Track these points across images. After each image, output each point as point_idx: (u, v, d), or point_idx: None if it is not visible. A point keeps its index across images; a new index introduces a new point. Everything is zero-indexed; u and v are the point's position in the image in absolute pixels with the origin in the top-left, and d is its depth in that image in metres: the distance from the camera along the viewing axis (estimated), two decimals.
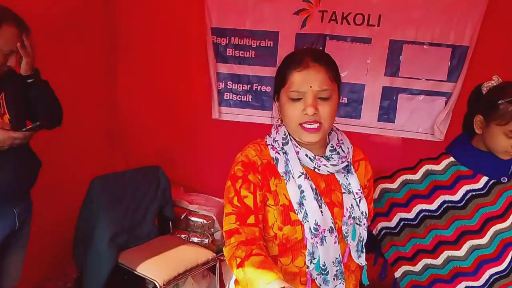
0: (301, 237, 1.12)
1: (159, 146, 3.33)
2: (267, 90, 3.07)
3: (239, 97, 3.14)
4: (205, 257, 2.52)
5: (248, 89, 3.11)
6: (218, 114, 3.17)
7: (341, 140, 1.24)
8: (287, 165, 1.16)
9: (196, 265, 2.45)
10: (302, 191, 1.13)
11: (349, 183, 1.20)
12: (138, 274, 2.32)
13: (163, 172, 2.79)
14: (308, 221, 1.11)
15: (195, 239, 2.83)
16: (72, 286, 2.76)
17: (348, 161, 1.20)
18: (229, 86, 3.13)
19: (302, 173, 1.15)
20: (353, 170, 1.23)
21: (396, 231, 1.57)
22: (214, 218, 2.93)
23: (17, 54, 1.75)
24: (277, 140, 1.20)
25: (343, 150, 1.21)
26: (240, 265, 1.02)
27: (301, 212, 1.11)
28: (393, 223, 1.58)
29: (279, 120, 1.22)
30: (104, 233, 2.37)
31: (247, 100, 3.13)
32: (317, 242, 1.10)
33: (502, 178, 1.42)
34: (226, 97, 3.16)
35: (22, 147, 1.79)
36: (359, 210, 1.18)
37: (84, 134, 2.96)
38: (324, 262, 1.12)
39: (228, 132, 3.14)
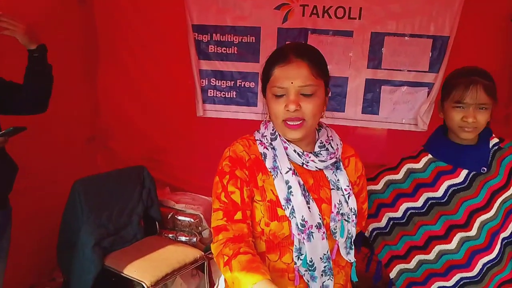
0: (288, 233, 1.11)
1: (143, 146, 3.29)
2: (251, 86, 3.05)
3: (223, 94, 3.11)
4: (193, 256, 2.50)
5: (232, 85, 3.09)
6: (203, 112, 3.14)
7: (331, 136, 1.24)
8: (275, 160, 1.15)
9: (184, 265, 2.43)
10: (289, 187, 1.12)
11: (338, 180, 1.20)
12: (125, 276, 2.29)
13: (148, 172, 2.76)
14: (295, 217, 1.10)
15: (183, 238, 2.81)
16: None
17: (336, 158, 1.19)
18: (213, 83, 3.11)
19: (290, 169, 1.14)
20: (342, 167, 1.22)
21: (387, 230, 1.58)
22: (202, 216, 2.91)
23: None
24: (265, 136, 1.19)
25: (332, 147, 1.21)
26: (227, 263, 1.02)
27: (288, 208, 1.11)
28: (382, 223, 1.58)
29: (268, 116, 1.21)
30: (89, 237, 2.33)
31: (231, 96, 3.11)
32: (304, 238, 1.10)
33: (481, 169, 1.44)
34: (210, 94, 3.13)
35: None
36: (348, 206, 1.18)
37: (66, 137, 2.90)
38: (311, 258, 1.12)
39: (213, 129, 3.12)
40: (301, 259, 1.12)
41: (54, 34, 2.75)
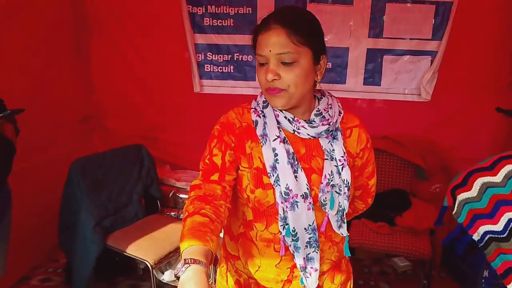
0: (273, 202, 1.10)
1: (140, 124, 3.23)
2: (249, 60, 2.97)
3: (220, 69, 3.03)
4: None
5: (229, 59, 3.01)
6: (200, 88, 3.07)
7: (330, 104, 1.18)
8: (264, 128, 1.13)
9: None
10: (276, 155, 1.10)
11: (333, 150, 1.15)
12: (128, 255, 2.27)
13: (146, 151, 2.71)
14: (279, 185, 1.08)
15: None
16: (62, 272, 2.72)
17: (330, 124, 1.14)
18: (209, 57, 3.02)
19: (278, 137, 1.11)
20: (339, 136, 1.17)
21: (505, 235, 1.35)
22: None
23: None
24: (259, 103, 1.17)
25: (329, 114, 1.16)
26: (184, 220, 1.00)
27: (273, 176, 1.09)
28: (499, 226, 1.36)
29: None
30: (89, 218, 2.31)
31: (229, 71, 3.03)
32: (287, 207, 1.08)
33: None
34: (207, 69, 3.05)
35: None
36: (340, 178, 1.14)
37: (60, 117, 2.84)
38: (294, 228, 1.10)
39: (211, 105, 3.05)
40: (285, 229, 1.10)
41: (44, 10, 2.65)
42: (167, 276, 2.57)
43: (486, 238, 1.39)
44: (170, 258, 2.38)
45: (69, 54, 2.99)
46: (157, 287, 2.46)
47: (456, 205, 1.55)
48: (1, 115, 1.66)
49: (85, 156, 2.44)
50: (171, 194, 2.89)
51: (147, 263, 2.21)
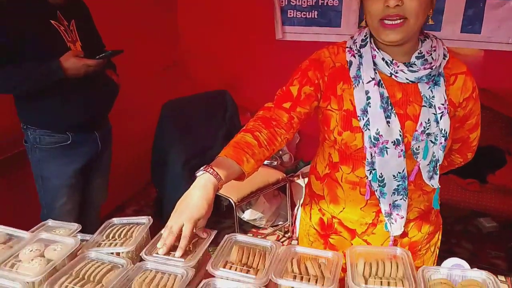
0: (360, 146, 1.07)
1: (223, 72, 3.30)
2: (335, 4, 2.85)
3: (304, 14, 2.95)
4: (275, 177, 2.57)
5: (313, 4, 2.90)
6: (282, 35, 3.03)
7: (434, 47, 1.09)
8: (359, 69, 1.08)
9: (267, 184, 2.52)
10: (368, 98, 1.05)
11: (433, 96, 1.07)
12: None
13: (230, 97, 2.79)
14: (369, 129, 1.05)
15: (264, 162, 2.87)
16: (153, 205, 2.98)
17: (432, 68, 1.06)
18: (293, 2, 2.94)
19: (373, 79, 1.06)
20: (441, 82, 1.09)
21: None
22: None
23: None
24: (356, 42, 1.11)
25: (432, 58, 1.07)
26: (239, 131, 1.05)
27: (363, 119, 1.05)
28: None
29: (364, 22, 1.11)
30: (179, 156, 2.48)
31: (313, 17, 2.94)
32: (375, 152, 1.05)
33: None
34: (290, 15, 2.98)
35: (99, 74, 1.84)
36: (437, 126, 1.07)
37: (149, 64, 2.99)
38: (381, 174, 1.07)
39: (292, 53, 3.00)
40: (372, 174, 1.08)
41: None
42: (247, 215, 2.71)
43: None
44: (251, 198, 2.50)
45: (157, 3, 3.09)
46: (238, 224, 2.62)
47: None
48: (103, 54, 1.78)
49: (174, 98, 2.58)
50: None
51: (231, 200, 2.35)
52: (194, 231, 0.95)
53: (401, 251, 0.92)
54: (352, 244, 1.19)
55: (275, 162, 2.92)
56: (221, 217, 2.84)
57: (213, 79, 3.28)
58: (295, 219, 2.70)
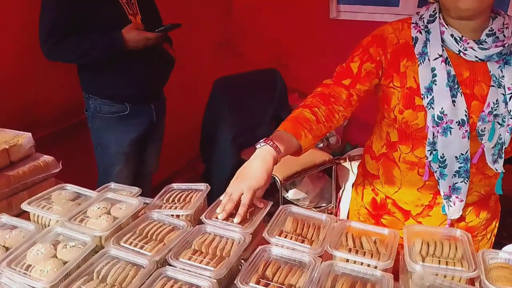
0: (422, 125, 1.05)
1: (273, 51, 3.29)
2: None
3: None
4: (322, 158, 2.56)
5: None
6: (336, 13, 2.96)
7: (507, 24, 1.03)
8: (425, 46, 1.04)
9: (313, 165, 2.51)
10: (434, 75, 1.02)
11: (503, 76, 1.02)
12: None
13: (280, 76, 2.79)
14: (433, 108, 1.02)
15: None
16: (200, 180, 3.06)
17: (504, 46, 1.00)
18: None
19: (440, 56, 1.02)
20: None
21: None
22: None
23: None
24: (423, 18, 1.07)
25: (504, 36, 1.02)
26: (298, 107, 1.07)
27: (427, 97, 1.02)
28: None
29: None
30: (228, 132, 2.53)
31: None
32: (438, 131, 1.02)
33: None
34: None
35: (156, 47, 1.90)
36: (506, 108, 1.02)
37: (203, 41, 3.03)
38: (443, 154, 1.04)
39: (346, 33, 2.93)
40: (433, 154, 1.05)
41: None
42: (290, 194, 2.73)
43: None
44: (296, 178, 2.52)
45: None
46: (282, 203, 2.64)
47: None
48: (162, 28, 1.84)
49: (225, 76, 2.61)
50: None
51: (276, 178, 2.38)
52: (256, 202, 0.99)
53: (461, 233, 0.90)
54: (405, 225, 1.16)
55: (321, 144, 2.89)
56: (265, 195, 2.86)
57: (264, 58, 3.27)
58: (339, 202, 2.69)
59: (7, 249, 0.90)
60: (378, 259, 0.82)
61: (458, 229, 0.94)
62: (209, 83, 2.64)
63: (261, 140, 0.99)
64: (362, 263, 0.83)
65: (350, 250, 0.85)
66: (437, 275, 0.79)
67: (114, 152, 1.96)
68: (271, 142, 0.98)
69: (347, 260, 0.84)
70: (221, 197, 0.98)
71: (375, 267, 0.82)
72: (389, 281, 0.78)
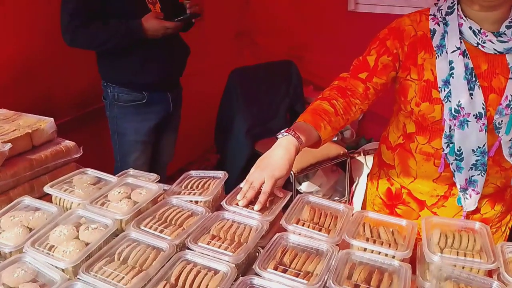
0: (439, 118, 1.05)
1: (289, 43, 3.27)
2: None
3: None
4: (336, 152, 2.55)
5: None
6: (354, 6, 2.92)
7: None
8: (443, 38, 1.04)
9: (327, 158, 2.51)
10: (451, 68, 1.01)
11: None
12: None
13: (296, 68, 2.78)
14: (450, 101, 1.02)
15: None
16: (214, 170, 3.08)
17: None
18: None
19: (458, 48, 1.01)
20: None
21: None
22: None
23: None
24: (441, 9, 1.06)
25: None
26: (315, 99, 1.07)
27: (444, 90, 1.02)
28: None
29: None
30: (242, 124, 2.53)
31: None
32: (455, 124, 1.02)
33: None
34: None
35: (173, 37, 1.91)
36: None
37: (218, 32, 3.03)
38: (459, 148, 1.04)
39: (364, 26, 2.89)
40: (449, 147, 1.05)
41: None
42: (304, 187, 2.73)
43: None
44: (309, 170, 2.52)
45: None
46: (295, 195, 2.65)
47: None
48: (181, 17, 1.85)
49: (241, 67, 2.61)
50: None
51: None
52: (276, 191, 1.00)
53: (480, 225, 0.90)
54: (420, 215, 1.18)
55: (336, 137, 2.88)
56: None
57: (280, 49, 3.26)
58: (353, 195, 2.69)
59: (30, 230, 0.93)
60: (396, 249, 0.83)
61: (477, 221, 0.94)
62: (225, 74, 2.65)
63: (283, 130, 1.00)
64: (379, 253, 0.83)
65: (367, 240, 0.85)
66: (455, 266, 0.79)
67: (131, 140, 1.98)
68: (293, 132, 0.98)
69: (365, 250, 0.84)
70: (241, 185, 0.99)
71: (393, 257, 0.82)
72: (407, 271, 0.78)
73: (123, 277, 0.77)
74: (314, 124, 1.00)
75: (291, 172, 2.32)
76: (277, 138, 1.00)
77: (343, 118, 1.05)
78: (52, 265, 0.82)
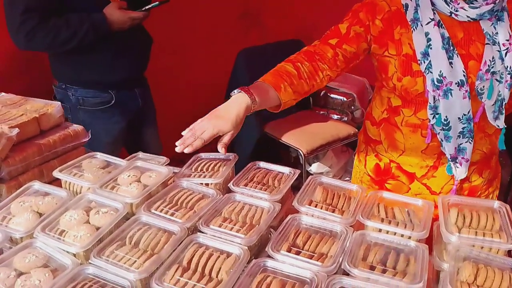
0: (422, 90, 1.05)
1: (295, 23, 3.20)
2: None
3: None
4: (346, 132, 2.52)
5: None
6: None
7: None
8: (416, 11, 1.03)
9: (337, 139, 2.48)
10: (428, 39, 1.01)
11: (496, 33, 1.02)
12: (283, 143, 2.44)
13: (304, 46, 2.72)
14: (431, 72, 1.01)
15: (335, 116, 2.82)
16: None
17: (495, 3, 0.99)
18: None
19: (432, 20, 1.01)
20: (505, 17, 1.02)
21: None
22: (355, 96, 2.84)
23: None
24: None
25: None
26: (281, 62, 1.07)
27: (424, 62, 1.02)
28: None
29: None
30: None
31: None
32: (439, 95, 1.02)
33: None
34: None
35: (137, 27, 1.73)
36: (502, 64, 1.01)
37: (221, 13, 2.97)
38: (446, 117, 1.04)
39: None
40: (436, 118, 1.05)
41: None
42: (314, 168, 2.71)
43: None
44: (319, 151, 2.49)
45: None
46: (305, 176, 2.64)
47: None
48: (148, 6, 1.67)
49: (249, 47, 2.57)
50: (322, 93, 2.92)
51: (300, 151, 2.36)
52: (220, 146, 0.98)
53: (499, 204, 0.87)
54: (410, 188, 1.18)
55: (346, 118, 2.85)
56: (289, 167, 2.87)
57: (285, 29, 3.19)
58: None
59: (40, 215, 0.92)
60: (412, 230, 0.81)
61: (495, 200, 0.92)
62: (231, 56, 2.60)
63: (238, 88, 0.97)
64: (395, 234, 0.81)
65: (382, 221, 0.84)
66: (473, 246, 0.77)
67: (104, 142, 1.77)
68: (248, 90, 0.96)
69: (380, 231, 0.83)
70: (183, 132, 0.96)
71: (409, 238, 0.80)
72: (424, 252, 0.76)
73: (135, 261, 0.77)
74: (273, 85, 0.99)
75: (301, 153, 2.33)
76: (230, 96, 0.98)
77: (307, 83, 1.04)
78: (63, 250, 0.82)
